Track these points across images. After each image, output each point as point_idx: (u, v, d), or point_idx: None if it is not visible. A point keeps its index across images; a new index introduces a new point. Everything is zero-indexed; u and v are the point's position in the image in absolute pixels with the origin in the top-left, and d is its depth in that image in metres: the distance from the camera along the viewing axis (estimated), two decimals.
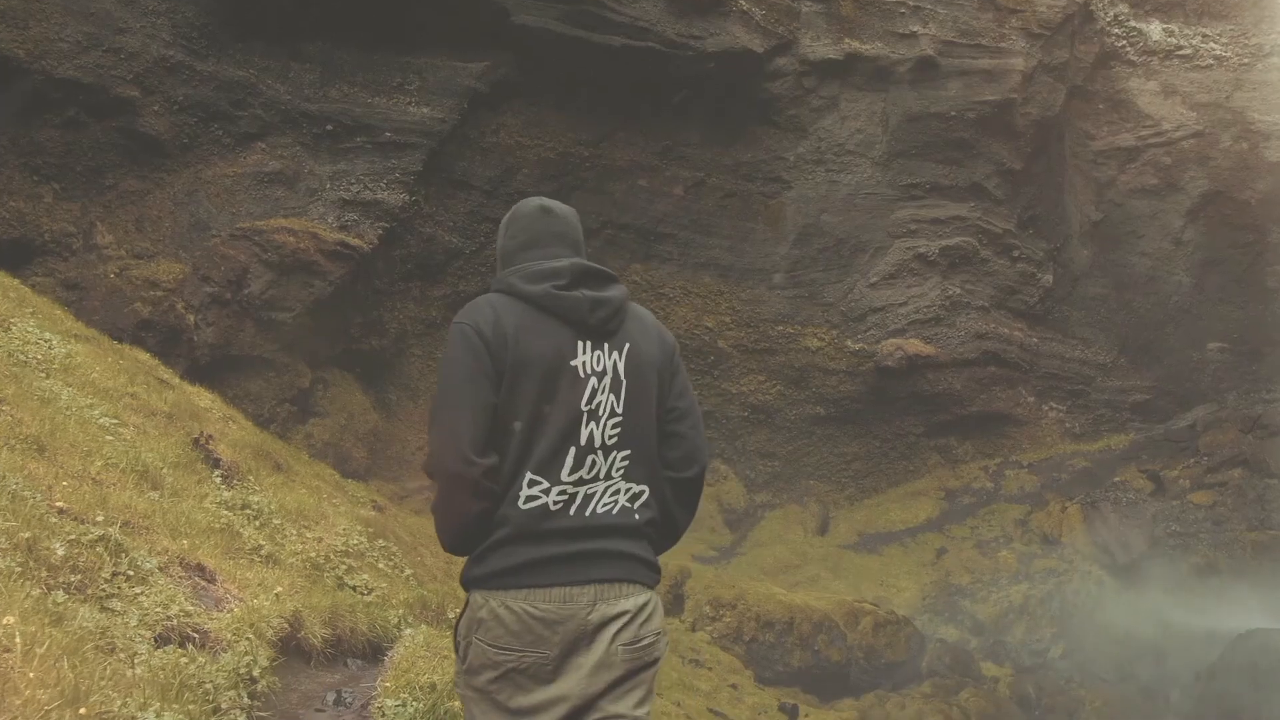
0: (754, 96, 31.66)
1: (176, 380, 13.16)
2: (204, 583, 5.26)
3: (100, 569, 4.52)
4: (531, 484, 3.03)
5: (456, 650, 3.12)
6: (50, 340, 8.88)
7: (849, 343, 33.14)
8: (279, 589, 5.55)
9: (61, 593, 3.89)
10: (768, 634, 23.82)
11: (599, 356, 3.14)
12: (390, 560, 8.91)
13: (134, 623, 4.25)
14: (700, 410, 3.39)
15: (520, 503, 3.03)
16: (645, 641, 3.11)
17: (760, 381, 33.03)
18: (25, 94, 24.44)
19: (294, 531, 7.27)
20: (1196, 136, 35.80)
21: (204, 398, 12.72)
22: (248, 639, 4.59)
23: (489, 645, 3.00)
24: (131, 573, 4.69)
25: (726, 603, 24.19)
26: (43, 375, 7.93)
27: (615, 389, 3.12)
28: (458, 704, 4.83)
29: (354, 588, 7.07)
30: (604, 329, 3.19)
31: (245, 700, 4.14)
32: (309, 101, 27.11)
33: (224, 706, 3.89)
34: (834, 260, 33.39)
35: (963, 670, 25.17)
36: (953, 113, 32.77)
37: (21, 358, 8.10)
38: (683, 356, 3.45)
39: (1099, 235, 36.13)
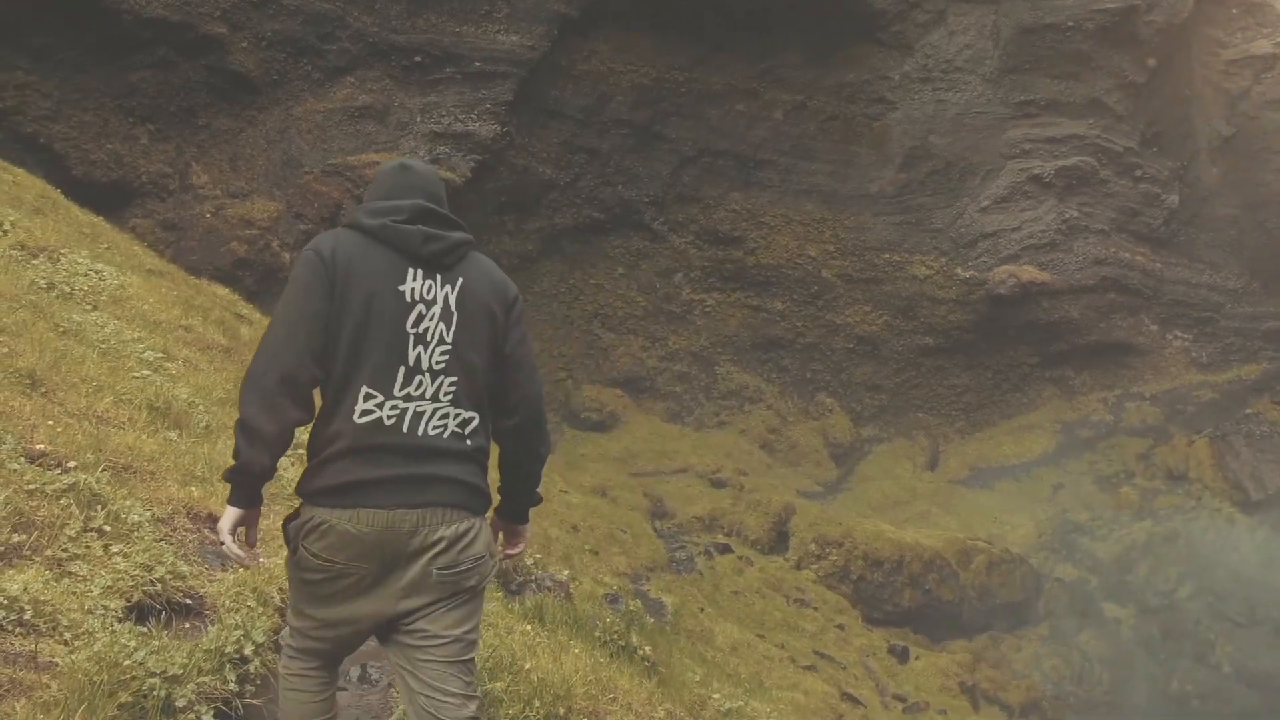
0: (856, 12, 30.13)
1: (257, 316, 12.77)
2: (214, 536, 4.67)
3: (65, 524, 3.92)
4: (367, 397, 3.18)
5: (287, 544, 3.27)
6: (101, 271, 8.45)
7: (959, 270, 31.76)
8: None
9: None
10: (876, 573, 23.02)
11: (430, 286, 3.30)
12: None
13: (98, 590, 3.67)
14: (535, 363, 3.55)
15: (356, 416, 3.18)
16: (463, 567, 3.26)
17: (866, 312, 31.91)
18: (116, 35, 24.35)
19: None
20: None
21: None
22: (248, 606, 4.00)
23: (314, 554, 3.15)
24: (109, 527, 4.09)
25: (833, 540, 23.41)
26: (88, 307, 7.50)
27: (445, 319, 3.29)
28: (499, 684, 4.21)
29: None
30: (437, 262, 3.34)
31: (230, 685, 3.50)
32: (396, 33, 26.57)
33: (181, 704, 3.25)
34: (942, 184, 31.91)
35: (1082, 611, 24.10)
36: (1070, 23, 30.81)
37: (66, 289, 7.68)
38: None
39: (1230, 151, 33.83)
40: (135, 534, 4.10)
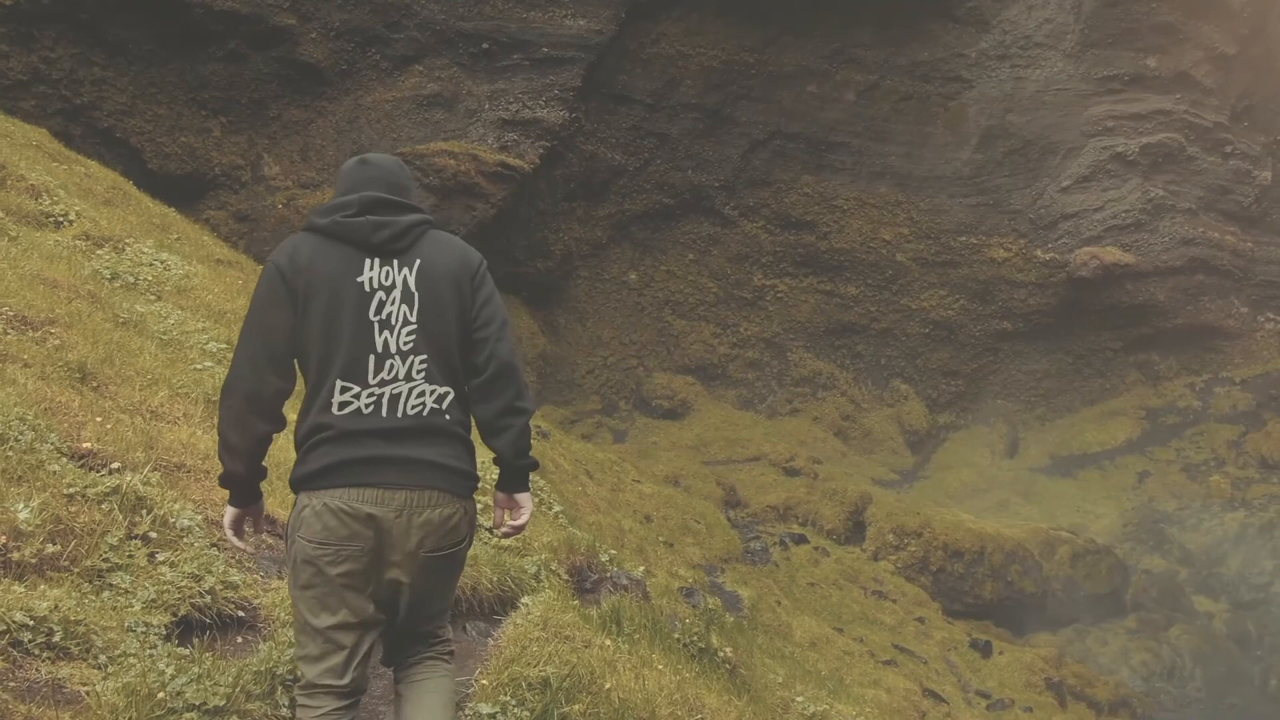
0: None
1: None
2: (274, 539, 4.41)
3: (106, 532, 3.65)
4: (343, 390, 3.31)
5: (286, 544, 3.36)
6: (166, 261, 8.30)
7: (1039, 252, 30.89)
8: None
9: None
10: (956, 564, 22.43)
11: (388, 272, 3.41)
12: (537, 495, 7.99)
13: (139, 605, 3.40)
14: (506, 320, 3.60)
15: (335, 409, 3.31)
16: (444, 551, 3.40)
17: (942, 296, 31.17)
18: (188, 29, 24.51)
19: None
20: None
21: None
22: None
23: (308, 541, 3.24)
24: (155, 534, 3.82)
25: (911, 531, 22.85)
26: (152, 297, 7.34)
27: (407, 300, 3.40)
28: (577, 707, 3.86)
29: (488, 529, 6.15)
30: (390, 248, 3.43)
31: (283, 710, 3.22)
32: (464, 20, 26.43)
33: None
34: (1021, 164, 31.03)
35: (1172, 604, 23.27)
36: None
37: (129, 279, 7.54)
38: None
39: None
40: (184, 540, 3.85)
